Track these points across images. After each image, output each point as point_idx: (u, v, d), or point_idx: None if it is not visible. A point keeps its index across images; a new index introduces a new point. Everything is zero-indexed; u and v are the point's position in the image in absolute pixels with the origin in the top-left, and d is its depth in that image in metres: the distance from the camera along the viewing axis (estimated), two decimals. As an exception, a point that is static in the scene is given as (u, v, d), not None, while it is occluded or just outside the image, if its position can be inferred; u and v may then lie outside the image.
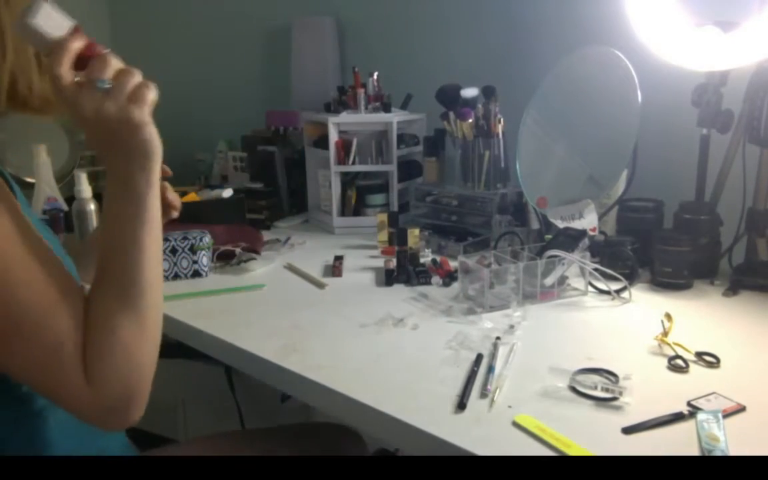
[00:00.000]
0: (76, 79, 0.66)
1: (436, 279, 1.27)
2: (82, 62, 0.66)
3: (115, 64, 0.67)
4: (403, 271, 1.28)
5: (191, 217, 1.56)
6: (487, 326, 1.04)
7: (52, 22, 0.64)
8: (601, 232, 1.35)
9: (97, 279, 0.69)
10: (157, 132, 0.69)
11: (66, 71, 0.65)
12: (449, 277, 1.26)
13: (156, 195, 0.70)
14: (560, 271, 1.17)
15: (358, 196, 1.72)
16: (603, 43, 1.31)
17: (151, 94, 0.68)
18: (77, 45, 0.66)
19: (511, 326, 1.03)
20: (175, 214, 0.97)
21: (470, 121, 1.48)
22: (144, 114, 0.67)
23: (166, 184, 0.87)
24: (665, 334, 0.96)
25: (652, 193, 1.37)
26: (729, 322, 1.06)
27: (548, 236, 1.30)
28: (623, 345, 0.97)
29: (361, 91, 1.67)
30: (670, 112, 1.37)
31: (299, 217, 1.86)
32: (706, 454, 0.69)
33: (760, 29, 1.08)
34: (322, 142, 1.72)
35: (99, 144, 0.68)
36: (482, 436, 0.74)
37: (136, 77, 0.68)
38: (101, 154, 0.69)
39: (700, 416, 0.76)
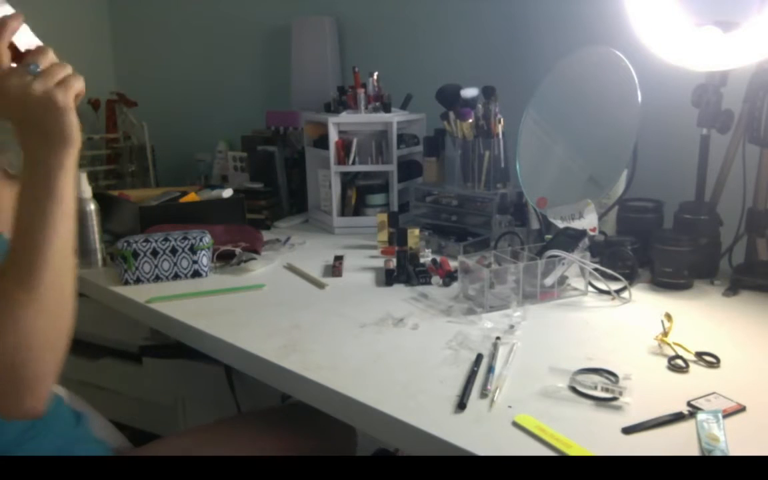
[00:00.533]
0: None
1: (436, 279, 1.27)
2: (21, 57, 0.70)
3: (51, 56, 0.71)
4: (403, 271, 1.28)
5: (191, 217, 1.56)
6: (487, 326, 1.04)
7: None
8: (601, 232, 1.35)
9: (6, 257, 0.70)
10: (78, 123, 0.71)
11: (3, 50, 0.68)
12: (449, 277, 1.26)
13: (69, 182, 0.71)
14: (560, 271, 1.17)
15: (358, 196, 1.72)
16: (603, 43, 1.31)
17: (78, 84, 0.71)
18: (15, 25, 0.69)
19: (511, 326, 1.03)
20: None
21: (470, 121, 1.48)
22: (68, 99, 0.69)
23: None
24: (665, 334, 0.96)
25: (652, 193, 1.37)
26: (729, 322, 1.06)
27: (548, 236, 1.30)
28: (623, 345, 0.97)
29: (361, 91, 1.67)
30: (670, 112, 1.37)
31: (299, 217, 1.86)
32: (706, 454, 0.69)
33: (760, 29, 1.08)
34: (322, 142, 1.72)
35: (21, 125, 0.70)
36: (482, 436, 0.74)
37: (67, 69, 0.71)
38: (21, 136, 0.70)
39: (700, 416, 0.76)
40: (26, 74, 0.68)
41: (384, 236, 1.49)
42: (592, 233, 1.29)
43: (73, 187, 0.72)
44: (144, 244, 1.28)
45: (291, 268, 1.38)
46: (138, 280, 1.29)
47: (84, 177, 1.39)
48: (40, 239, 0.69)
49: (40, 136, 0.69)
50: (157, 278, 1.30)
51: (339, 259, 1.42)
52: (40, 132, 0.69)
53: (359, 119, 1.67)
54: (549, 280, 1.16)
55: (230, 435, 1.07)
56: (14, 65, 0.69)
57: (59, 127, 0.69)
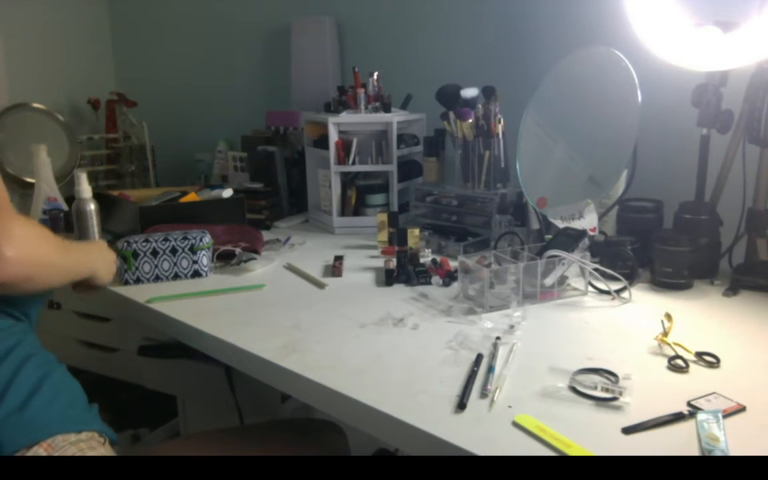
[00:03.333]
0: None
1: (436, 279, 1.27)
2: None
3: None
4: (403, 271, 1.28)
5: (191, 217, 1.56)
6: (487, 326, 1.04)
7: None
8: (601, 232, 1.35)
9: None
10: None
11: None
12: (449, 277, 1.26)
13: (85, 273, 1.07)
14: (560, 271, 1.17)
15: (358, 196, 1.72)
16: (603, 43, 1.31)
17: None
18: None
19: (511, 326, 1.03)
20: None
21: (470, 121, 1.48)
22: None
23: None
24: (665, 334, 0.96)
25: (652, 193, 1.37)
26: (729, 322, 1.06)
27: (548, 236, 1.30)
28: (623, 345, 0.97)
29: (361, 91, 1.67)
30: (670, 112, 1.38)
31: (299, 217, 1.86)
32: (706, 454, 0.69)
33: (760, 29, 1.08)
34: (322, 142, 1.72)
35: (98, 268, 1.08)
36: (482, 436, 0.74)
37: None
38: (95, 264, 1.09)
39: (700, 416, 0.76)
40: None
41: (384, 236, 1.49)
42: (592, 233, 1.30)
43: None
44: (144, 244, 1.28)
45: (291, 268, 1.38)
46: (138, 280, 1.29)
47: (84, 177, 1.39)
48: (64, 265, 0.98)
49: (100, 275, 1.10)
50: (157, 278, 1.30)
51: (339, 259, 1.42)
52: (102, 276, 1.11)
53: (359, 119, 1.67)
54: (549, 280, 1.16)
55: (223, 445, 1.07)
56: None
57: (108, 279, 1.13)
